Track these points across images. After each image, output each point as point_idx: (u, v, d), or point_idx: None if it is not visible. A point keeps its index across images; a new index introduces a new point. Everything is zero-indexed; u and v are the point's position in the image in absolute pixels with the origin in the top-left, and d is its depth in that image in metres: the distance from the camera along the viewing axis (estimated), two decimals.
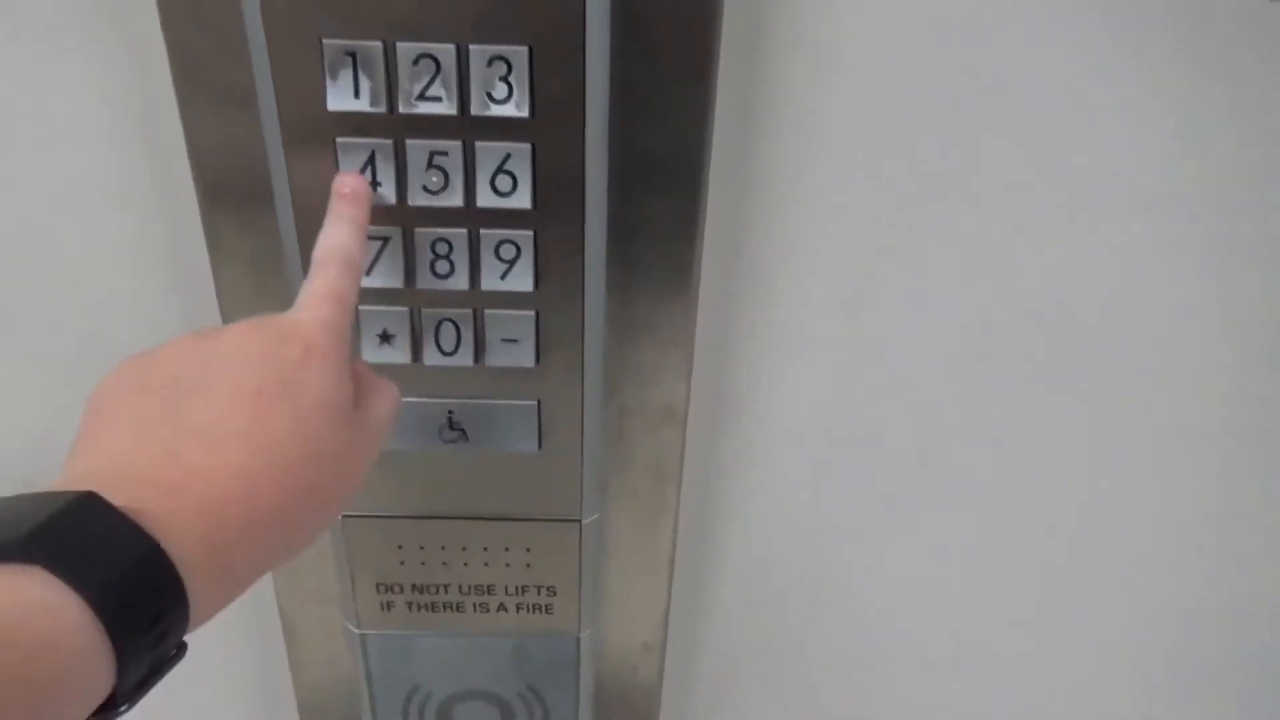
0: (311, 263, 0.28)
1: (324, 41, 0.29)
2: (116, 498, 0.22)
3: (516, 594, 0.41)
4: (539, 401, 0.36)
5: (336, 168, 0.31)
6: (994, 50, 0.34)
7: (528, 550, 0.39)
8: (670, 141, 0.32)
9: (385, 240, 0.32)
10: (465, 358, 0.34)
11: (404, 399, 0.35)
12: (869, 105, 0.35)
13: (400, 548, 0.39)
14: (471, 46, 0.29)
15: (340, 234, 0.29)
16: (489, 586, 0.40)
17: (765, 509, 0.45)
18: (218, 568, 0.24)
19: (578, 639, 0.42)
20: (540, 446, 0.37)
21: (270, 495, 0.25)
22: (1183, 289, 0.39)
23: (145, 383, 0.26)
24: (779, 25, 0.33)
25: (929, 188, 0.37)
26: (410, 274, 0.33)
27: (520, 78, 0.30)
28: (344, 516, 0.38)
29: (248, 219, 0.33)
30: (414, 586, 0.40)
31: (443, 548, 0.39)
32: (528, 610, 0.41)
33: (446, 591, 0.40)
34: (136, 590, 0.22)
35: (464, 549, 0.39)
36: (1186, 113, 0.35)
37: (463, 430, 0.36)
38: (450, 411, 0.36)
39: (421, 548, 0.39)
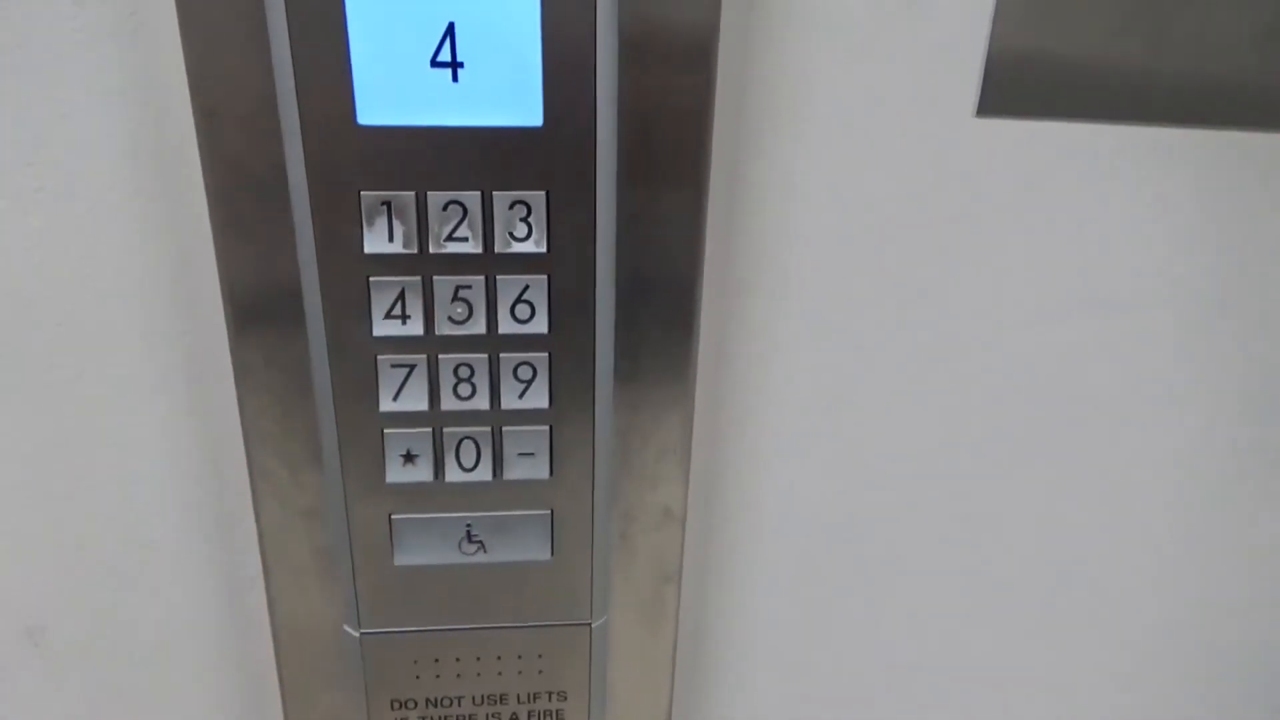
0: None
1: (362, 193, 0.32)
2: None
3: (529, 701, 0.42)
4: (552, 511, 0.38)
5: (369, 305, 0.34)
6: (970, 170, 0.39)
7: (540, 656, 0.41)
8: (668, 269, 0.36)
9: (411, 368, 0.35)
10: (484, 473, 0.37)
11: (425, 515, 0.37)
12: (848, 219, 0.39)
13: (415, 662, 0.40)
14: (495, 193, 0.33)
15: None
16: (501, 696, 0.42)
17: (756, 605, 0.47)
18: None
19: None
20: (553, 554, 0.39)
21: None
22: (1160, 385, 0.43)
23: None
24: (759, 164, 0.38)
25: (911, 295, 0.41)
26: (434, 397, 0.35)
27: (539, 218, 0.33)
28: (363, 634, 0.39)
29: (279, 357, 0.35)
30: (428, 700, 0.41)
31: (457, 659, 0.41)
32: (539, 717, 0.42)
33: (460, 704, 0.41)
34: None
35: (478, 659, 0.41)
36: (1163, 217, 0.40)
37: (481, 542, 0.38)
38: (469, 525, 0.38)
39: (436, 660, 0.40)
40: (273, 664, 0.41)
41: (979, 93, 0.38)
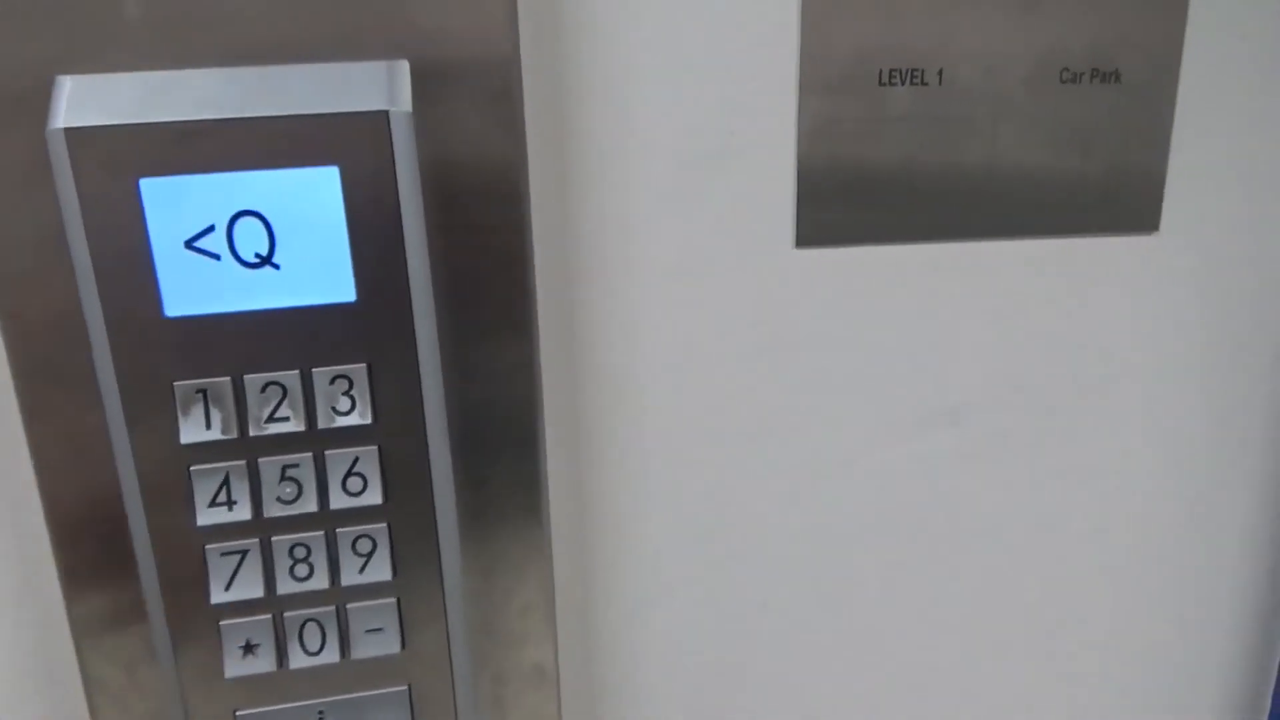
0: None
1: (175, 384, 0.32)
2: None
3: None
4: (410, 685, 0.37)
5: (192, 495, 0.33)
6: (799, 298, 0.40)
7: None
8: (506, 421, 0.36)
9: (243, 554, 0.34)
10: (331, 655, 0.35)
11: (272, 708, 0.35)
12: (690, 355, 0.40)
13: None
14: (315, 370, 0.33)
15: None
16: None
17: None
18: None
19: None
20: None
21: None
22: (1011, 486, 0.45)
23: None
24: (592, 306, 0.39)
25: (762, 423, 0.42)
26: (270, 582, 0.34)
27: (361, 390, 0.33)
28: None
29: (103, 558, 0.34)
30: None
31: None
32: None
33: None
34: None
35: None
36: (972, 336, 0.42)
37: None
38: (321, 712, 0.36)
39: None
40: None
41: (794, 227, 0.40)
